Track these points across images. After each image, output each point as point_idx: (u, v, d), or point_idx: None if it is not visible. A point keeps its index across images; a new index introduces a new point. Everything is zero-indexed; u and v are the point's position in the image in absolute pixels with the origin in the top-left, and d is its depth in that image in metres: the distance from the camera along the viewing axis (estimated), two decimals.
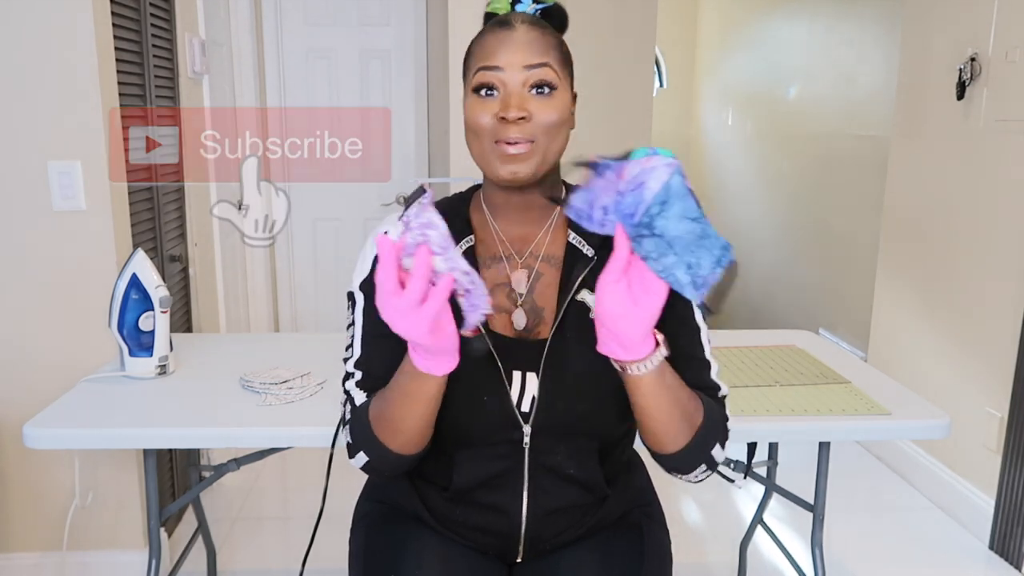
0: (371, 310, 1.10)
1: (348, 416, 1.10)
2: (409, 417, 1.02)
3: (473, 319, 0.91)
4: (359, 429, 1.07)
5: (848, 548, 2.43)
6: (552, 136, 1.04)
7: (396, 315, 0.88)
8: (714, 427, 1.07)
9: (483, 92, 1.04)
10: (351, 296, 1.13)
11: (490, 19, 1.11)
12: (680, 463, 1.07)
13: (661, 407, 1.01)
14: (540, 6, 1.10)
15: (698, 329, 1.12)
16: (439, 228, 0.88)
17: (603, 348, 0.97)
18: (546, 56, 1.04)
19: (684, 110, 5.47)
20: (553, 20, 1.11)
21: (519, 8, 1.09)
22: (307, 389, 1.60)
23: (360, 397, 1.10)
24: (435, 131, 3.57)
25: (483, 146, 1.05)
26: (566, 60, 1.08)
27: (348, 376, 1.12)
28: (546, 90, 1.04)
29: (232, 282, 3.11)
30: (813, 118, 3.89)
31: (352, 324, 1.13)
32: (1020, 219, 2.30)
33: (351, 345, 1.13)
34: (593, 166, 0.91)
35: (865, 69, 3.43)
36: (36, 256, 1.97)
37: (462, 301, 0.90)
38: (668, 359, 1.01)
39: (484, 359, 1.06)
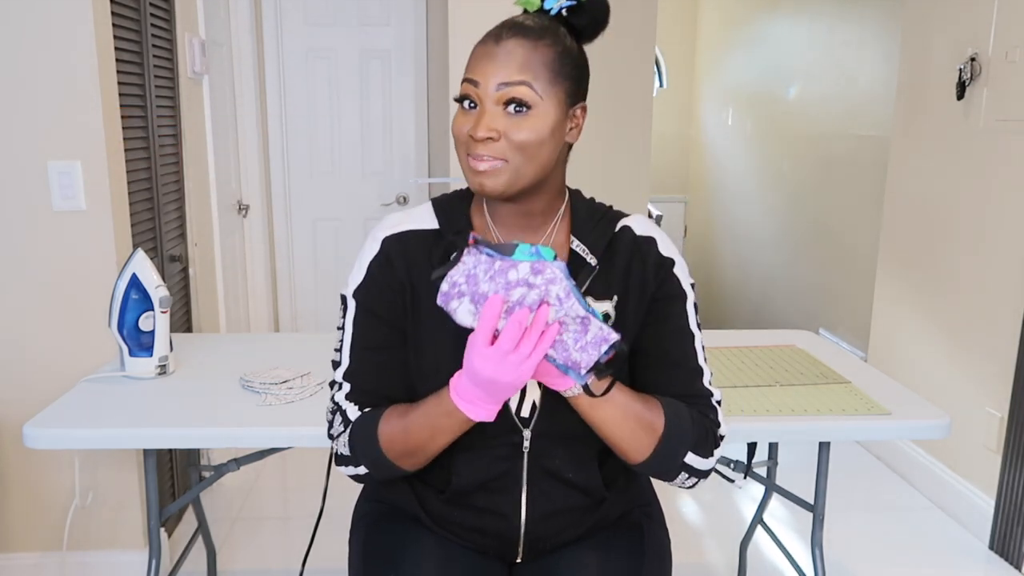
0: (362, 320, 1.11)
1: (342, 428, 1.10)
2: (433, 447, 1.05)
3: (596, 356, 0.94)
4: (364, 446, 1.07)
5: (848, 548, 2.43)
6: (528, 155, 1.02)
7: (508, 368, 0.92)
8: (681, 435, 1.05)
9: (466, 104, 1.04)
10: (344, 300, 1.13)
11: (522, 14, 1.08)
12: (654, 472, 1.09)
13: (607, 422, 1.03)
14: (568, 3, 1.05)
15: (692, 336, 1.12)
16: (560, 280, 0.92)
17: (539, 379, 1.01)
18: (525, 73, 1.00)
19: (684, 110, 5.47)
20: (582, 18, 1.06)
21: (546, 5, 1.06)
22: (307, 389, 1.60)
23: (353, 411, 1.10)
24: (435, 131, 3.58)
25: (460, 156, 1.06)
26: (560, 75, 1.03)
27: (337, 385, 1.12)
28: (523, 109, 1.01)
29: (232, 282, 3.11)
30: (813, 118, 3.89)
31: (343, 328, 1.13)
32: (1020, 219, 2.30)
33: (340, 349, 1.13)
34: (475, 247, 0.95)
35: (865, 69, 3.43)
36: (36, 256, 1.97)
37: (568, 339, 0.94)
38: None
39: None
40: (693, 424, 1.07)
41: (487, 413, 0.99)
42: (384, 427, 1.06)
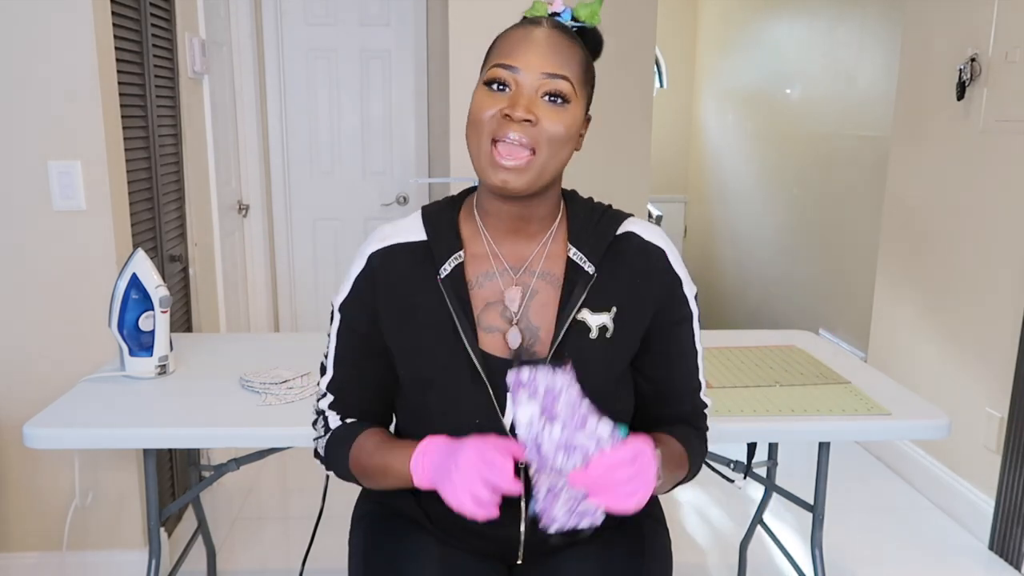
0: (345, 334, 1.13)
1: (322, 433, 1.16)
2: (387, 485, 1.09)
3: (574, 525, 0.96)
4: (336, 460, 1.13)
5: (848, 548, 2.43)
6: (555, 150, 1.00)
7: (462, 496, 0.94)
8: (696, 464, 1.14)
9: (494, 86, 1.00)
10: (332, 309, 1.14)
11: None
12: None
13: (663, 488, 1.06)
14: (578, 24, 1.06)
15: (696, 354, 1.16)
16: (604, 445, 0.93)
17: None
18: (566, 68, 1.00)
19: (684, 110, 5.47)
20: (587, 41, 1.07)
21: (560, 20, 1.05)
22: (307, 389, 1.60)
23: (334, 420, 1.15)
24: (435, 131, 3.58)
25: (480, 144, 1.01)
26: (587, 79, 1.04)
27: (321, 393, 1.16)
28: (559, 100, 1.00)
29: (232, 282, 3.11)
30: (813, 118, 3.89)
31: (330, 336, 1.15)
32: (1020, 219, 2.30)
33: (327, 356, 1.15)
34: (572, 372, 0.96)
35: (865, 69, 3.43)
36: (36, 256, 1.97)
37: (564, 495, 0.95)
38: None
39: (477, 381, 1.05)
40: (701, 444, 1.16)
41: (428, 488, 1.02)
42: (355, 450, 1.10)
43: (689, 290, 1.13)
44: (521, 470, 1.10)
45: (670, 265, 1.11)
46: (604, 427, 0.91)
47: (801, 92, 4.02)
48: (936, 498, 2.71)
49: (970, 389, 2.53)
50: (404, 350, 1.09)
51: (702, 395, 1.18)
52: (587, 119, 1.08)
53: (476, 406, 1.05)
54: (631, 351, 1.11)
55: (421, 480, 1.01)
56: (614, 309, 1.08)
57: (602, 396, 1.06)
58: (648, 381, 1.14)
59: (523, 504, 1.12)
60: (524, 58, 0.99)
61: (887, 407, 1.56)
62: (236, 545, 2.42)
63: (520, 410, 0.92)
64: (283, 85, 3.54)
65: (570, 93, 1.00)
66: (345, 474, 1.13)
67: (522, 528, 1.13)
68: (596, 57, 1.09)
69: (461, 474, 0.94)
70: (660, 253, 1.11)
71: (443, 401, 1.06)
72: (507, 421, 1.06)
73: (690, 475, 1.13)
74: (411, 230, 1.11)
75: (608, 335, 1.07)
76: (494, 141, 0.99)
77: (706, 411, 1.19)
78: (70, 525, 2.02)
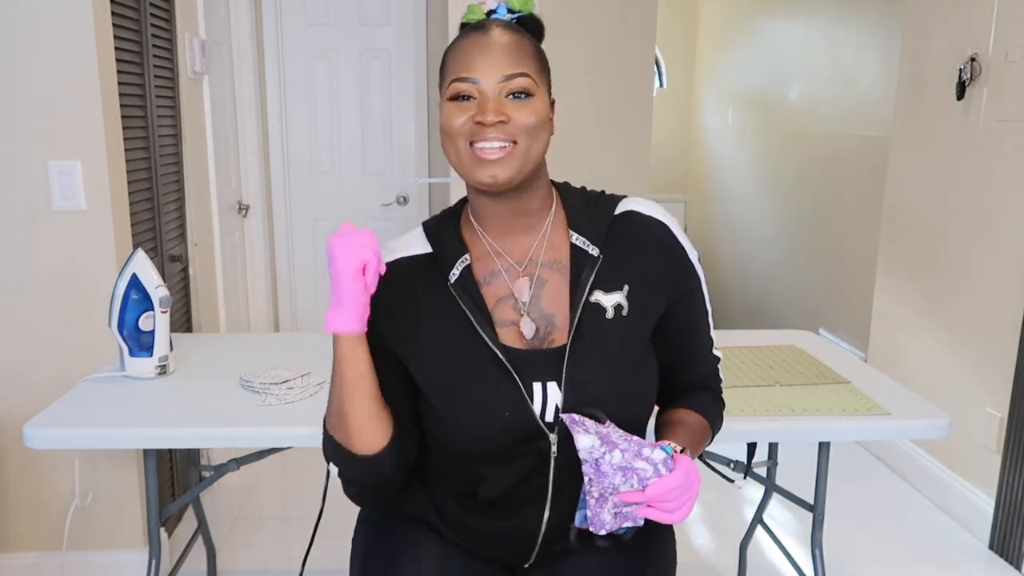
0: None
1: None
2: (348, 405, 1.03)
3: (618, 527, 0.98)
4: (326, 440, 1.10)
5: (848, 548, 2.43)
6: (533, 138, 1.03)
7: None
8: (716, 428, 1.18)
9: (459, 99, 1.03)
10: None
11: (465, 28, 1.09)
12: None
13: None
14: (516, 15, 1.08)
15: (707, 314, 1.18)
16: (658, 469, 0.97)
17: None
18: (522, 65, 1.02)
19: (684, 110, 5.47)
20: (529, 29, 1.09)
21: (495, 17, 1.07)
22: (307, 389, 1.60)
23: None
24: (435, 131, 3.58)
25: (458, 149, 1.03)
26: (543, 67, 1.07)
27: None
28: (523, 96, 1.02)
29: (232, 282, 3.11)
30: (813, 118, 3.89)
31: None
32: (1020, 219, 2.30)
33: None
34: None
35: (865, 69, 3.43)
36: (36, 256, 1.97)
37: (612, 499, 0.97)
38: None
39: (502, 374, 1.05)
40: (719, 411, 1.20)
41: (340, 321, 1.00)
42: (326, 412, 1.09)
43: (693, 256, 1.15)
44: (552, 456, 1.09)
45: (674, 237, 1.13)
46: (658, 454, 0.96)
47: (801, 92, 4.02)
48: (936, 498, 2.71)
49: (970, 389, 2.53)
50: (422, 358, 1.09)
51: (714, 351, 1.20)
52: (552, 102, 1.09)
53: (504, 398, 1.05)
54: (649, 327, 1.11)
55: (333, 323, 1.01)
56: (626, 287, 1.09)
57: (625, 379, 1.07)
58: (666, 352, 1.15)
59: (548, 506, 1.11)
60: (480, 67, 1.01)
61: (887, 407, 1.56)
62: (236, 545, 2.42)
63: (580, 438, 0.96)
64: (283, 85, 3.54)
65: (532, 86, 1.03)
66: (335, 447, 1.08)
67: (541, 533, 1.13)
68: (540, 40, 1.11)
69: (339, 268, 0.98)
70: (662, 227, 1.12)
71: (470, 400, 1.06)
72: (536, 408, 1.06)
73: (712, 439, 1.19)
74: (415, 244, 1.13)
75: (624, 313, 1.08)
76: (472, 144, 1.02)
77: (719, 366, 1.22)
78: (70, 525, 2.02)
